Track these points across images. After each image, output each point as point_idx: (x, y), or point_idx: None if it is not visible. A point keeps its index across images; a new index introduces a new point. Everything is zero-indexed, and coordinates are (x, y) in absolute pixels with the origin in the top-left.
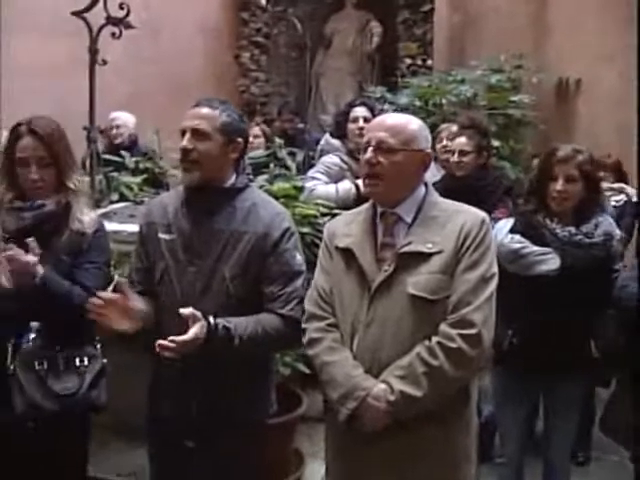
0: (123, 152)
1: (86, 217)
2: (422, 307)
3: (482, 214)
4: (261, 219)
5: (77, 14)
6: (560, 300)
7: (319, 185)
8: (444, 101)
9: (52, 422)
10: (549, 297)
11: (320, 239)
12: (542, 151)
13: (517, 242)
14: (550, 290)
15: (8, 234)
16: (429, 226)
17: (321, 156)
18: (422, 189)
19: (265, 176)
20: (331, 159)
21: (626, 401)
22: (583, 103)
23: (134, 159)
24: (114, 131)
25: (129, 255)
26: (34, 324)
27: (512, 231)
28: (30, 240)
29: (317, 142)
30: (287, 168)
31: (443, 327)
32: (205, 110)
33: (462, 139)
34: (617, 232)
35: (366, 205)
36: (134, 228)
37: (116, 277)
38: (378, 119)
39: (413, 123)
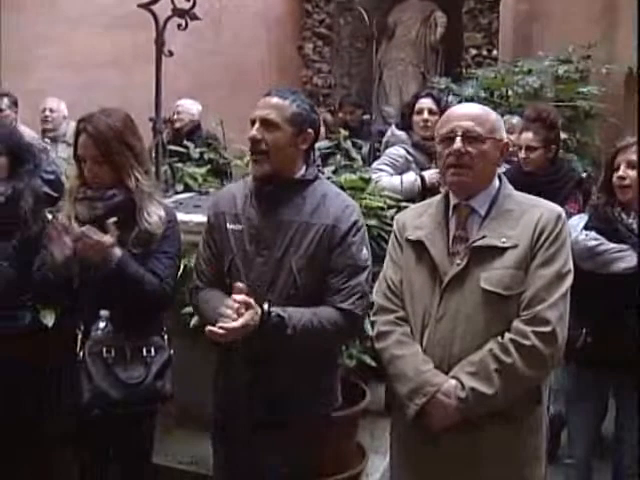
0: (187, 142)
1: (154, 217)
2: (495, 303)
3: (558, 209)
4: (330, 211)
5: (144, 6)
6: (636, 298)
7: (384, 177)
8: (510, 92)
9: (118, 410)
10: (626, 295)
11: (386, 232)
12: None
13: (593, 239)
14: (627, 287)
15: (82, 224)
16: (504, 220)
17: (387, 148)
18: (496, 182)
19: (331, 167)
20: (397, 151)
21: None
22: None
23: (198, 150)
24: (175, 116)
25: (196, 245)
26: (104, 312)
27: (587, 227)
28: (110, 221)
29: (380, 134)
30: (351, 159)
31: (517, 324)
32: (275, 100)
33: (529, 134)
34: None
35: (437, 197)
36: (201, 218)
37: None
38: (458, 108)
39: (492, 113)
